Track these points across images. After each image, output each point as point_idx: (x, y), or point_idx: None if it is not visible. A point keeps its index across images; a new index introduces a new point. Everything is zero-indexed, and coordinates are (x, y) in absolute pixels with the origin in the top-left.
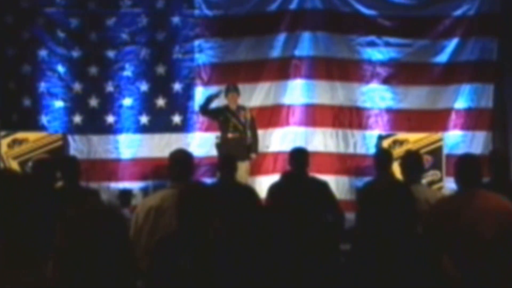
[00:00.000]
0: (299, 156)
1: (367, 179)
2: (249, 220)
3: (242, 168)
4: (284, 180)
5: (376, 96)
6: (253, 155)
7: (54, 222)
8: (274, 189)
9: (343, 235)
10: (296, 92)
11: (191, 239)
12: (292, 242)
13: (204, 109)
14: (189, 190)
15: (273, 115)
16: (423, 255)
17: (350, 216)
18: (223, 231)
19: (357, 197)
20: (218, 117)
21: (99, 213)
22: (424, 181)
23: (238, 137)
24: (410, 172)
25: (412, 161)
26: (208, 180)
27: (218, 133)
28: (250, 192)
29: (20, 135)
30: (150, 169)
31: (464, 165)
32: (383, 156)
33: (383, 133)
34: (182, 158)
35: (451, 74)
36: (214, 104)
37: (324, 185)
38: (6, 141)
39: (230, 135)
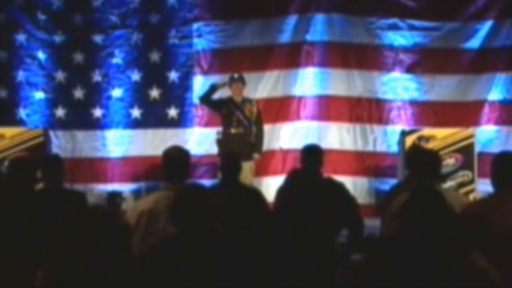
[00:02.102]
0: (311, 155)
1: (389, 180)
2: (255, 227)
3: (246, 168)
4: (295, 181)
5: (398, 86)
6: (256, 155)
7: (35, 229)
8: (283, 192)
9: (361, 243)
10: (308, 82)
11: (187, 248)
12: (300, 254)
13: (206, 98)
14: (186, 192)
15: (282, 108)
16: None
17: (369, 222)
18: (225, 239)
19: (384, 202)
20: (220, 110)
21: (99, 219)
22: (453, 182)
23: (242, 133)
24: (427, 172)
25: (427, 158)
26: (208, 182)
27: (219, 128)
28: (256, 195)
29: None
30: (143, 169)
31: (503, 165)
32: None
33: (407, 128)
34: (177, 156)
35: (484, 61)
36: (217, 95)
37: (340, 187)
38: None
39: (233, 130)
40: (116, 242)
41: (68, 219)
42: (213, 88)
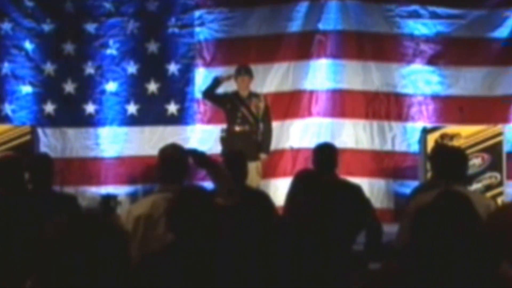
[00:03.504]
0: (324, 154)
1: (409, 183)
2: (263, 235)
3: (252, 169)
4: (306, 184)
5: (419, 79)
6: (263, 155)
7: (21, 236)
8: (293, 196)
9: (379, 251)
10: (321, 74)
11: (186, 257)
12: (312, 264)
13: (209, 93)
14: (184, 194)
15: (292, 104)
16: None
17: (387, 228)
18: (229, 247)
19: (407, 208)
20: (225, 105)
21: (93, 226)
22: (479, 185)
23: (248, 131)
24: (451, 173)
25: (452, 158)
26: (210, 186)
27: (224, 126)
28: (264, 198)
29: None
30: (140, 170)
31: None
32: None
33: (429, 125)
34: (174, 155)
35: None
36: (222, 89)
37: (356, 190)
38: None
39: (237, 128)
40: (113, 250)
41: (56, 225)
42: (217, 82)
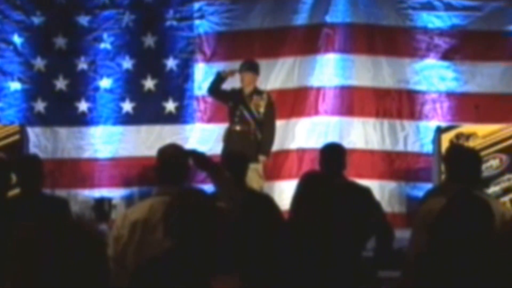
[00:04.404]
0: (332, 155)
1: (422, 185)
2: (266, 240)
3: (252, 171)
4: (313, 186)
5: (433, 75)
6: (262, 157)
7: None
8: (300, 199)
9: (390, 258)
10: (328, 70)
11: (184, 265)
12: (320, 272)
13: (214, 89)
14: (182, 196)
15: (298, 101)
16: None
17: (399, 234)
18: (230, 253)
19: (418, 213)
20: (228, 102)
21: (65, 232)
22: (497, 188)
23: (246, 130)
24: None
25: (468, 159)
26: (211, 188)
27: (227, 125)
28: (268, 201)
29: None
30: (136, 172)
31: None
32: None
33: (443, 124)
34: (173, 155)
35: None
36: (229, 85)
37: (366, 193)
38: None
39: (237, 127)
40: (84, 258)
41: (24, 232)
42: (220, 77)
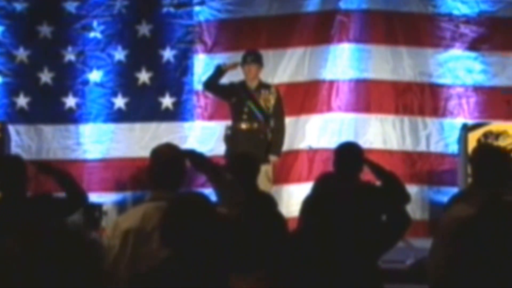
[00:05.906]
0: (347, 156)
1: (446, 189)
2: (272, 249)
3: (261, 173)
4: (326, 190)
5: (459, 67)
6: (273, 158)
7: None
8: (311, 203)
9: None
10: (342, 62)
11: (183, 276)
12: (332, 284)
13: (211, 84)
14: (180, 202)
15: (309, 96)
16: None
17: (421, 243)
18: (236, 264)
19: (441, 221)
20: (230, 98)
21: (58, 240)
22: None
23: (255, 128)
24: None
25: (497, 161)
26: (211, 192)
27: (229, 122)
28: (268, 201)
29: None
30: (129, 175)
31: None
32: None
33: (470, 121)
34: (169, 156)
35: None
36: (227, 79)
37: (385, 196)
38: None
39: (243, 125)
40: (78, 267)
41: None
42: (220, 71)
